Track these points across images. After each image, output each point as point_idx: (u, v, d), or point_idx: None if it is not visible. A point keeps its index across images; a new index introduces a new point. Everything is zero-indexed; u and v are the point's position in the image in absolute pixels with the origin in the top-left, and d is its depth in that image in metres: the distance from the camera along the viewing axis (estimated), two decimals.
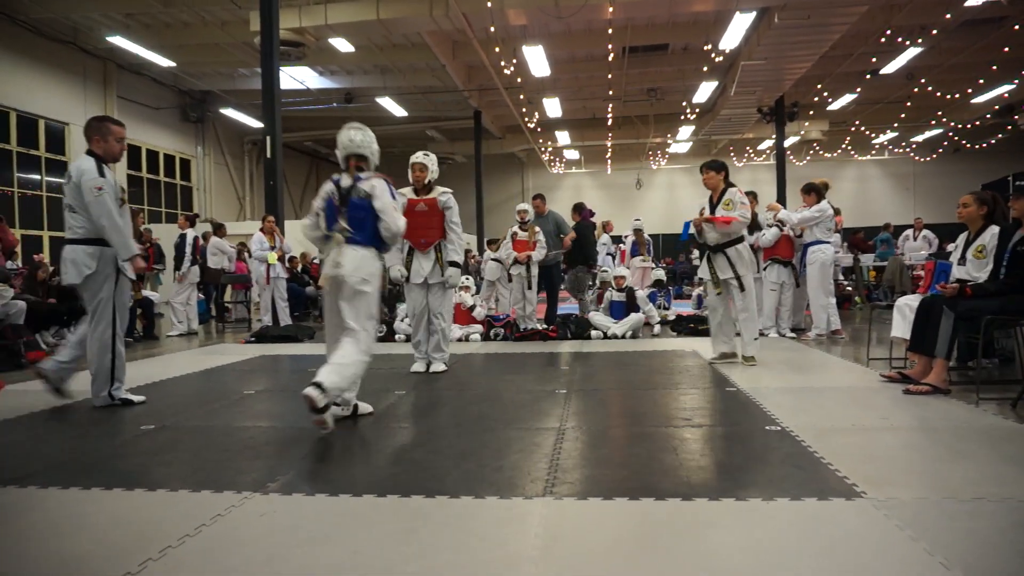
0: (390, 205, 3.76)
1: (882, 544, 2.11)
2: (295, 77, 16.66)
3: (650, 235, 12.60)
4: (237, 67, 16.88)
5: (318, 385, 3.33)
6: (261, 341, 8.06)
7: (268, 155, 9.08)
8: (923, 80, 17.34)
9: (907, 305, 4.93)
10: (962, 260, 4.77)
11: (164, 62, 15.16)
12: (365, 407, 3.99)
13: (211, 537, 2.26)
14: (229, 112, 19.29)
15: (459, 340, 7.66)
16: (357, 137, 3.86)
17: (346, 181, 3.81)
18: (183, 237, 9.48)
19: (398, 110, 19.34)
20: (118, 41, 13.89)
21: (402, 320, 8.03)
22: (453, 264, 5.56)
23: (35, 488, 2.77)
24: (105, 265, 4.38)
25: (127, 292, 4.59)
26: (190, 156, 19.44)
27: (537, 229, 8.07)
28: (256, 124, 19.24)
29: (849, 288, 11.99)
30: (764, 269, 7.67)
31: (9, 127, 13.60)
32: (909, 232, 13.79)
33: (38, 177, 14.40)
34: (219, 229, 11.49)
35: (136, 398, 4.53)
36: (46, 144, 14.50)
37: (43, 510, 2.56)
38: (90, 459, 3.24)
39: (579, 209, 9.55)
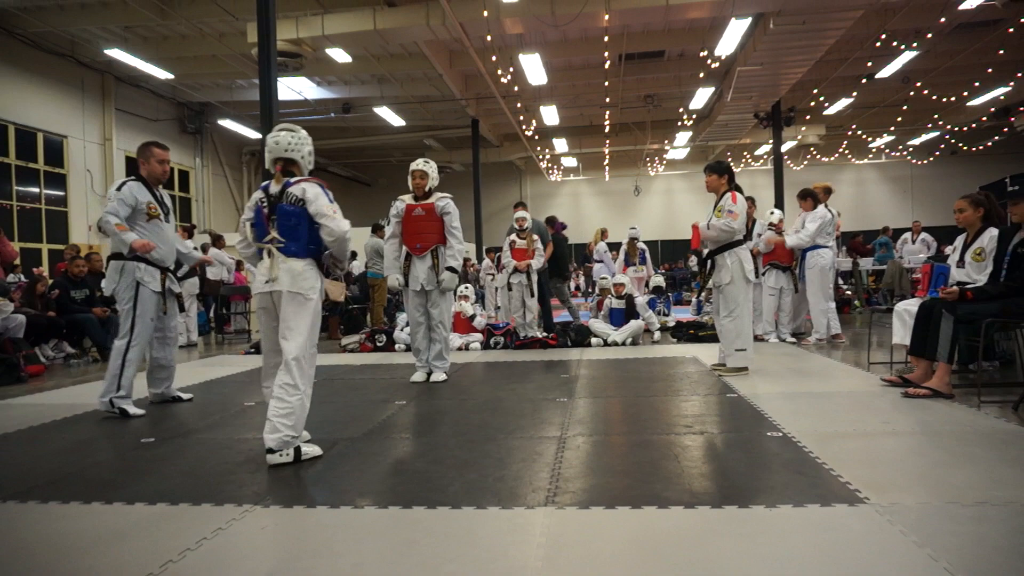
0: (327, 208, 3.36)
1: (886, 550, 2.10)
2: (293, 88, 16.69)
3: (648, 241, 12.57)
4: (235, 78, 16.91)
5: (271, 451, 3.19)
6: (261, 352, 8.04)
7: (267, 165, 9.08)
8: (919, 83, 17.40)
9: (906, 311, 4.93)
10: (960, 263, 4.78)
11: (162, 74, 15.19)
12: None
13: (212, 551, 2.25)
14: (227, 123, 19.31)
15: (459, 349, 7.65)
16: (284, 139, 3.48)
17: (275, 187, 3.45)
18: None
19: (396, 119, 19.38)
20: (116, 54, 13.91)
21: (401, 329, 8.02)
22: (450, 270, 5.54)
23: (35, 503, 2.76)
24: (125, 279, 4.58)
25: (150, 305, 4.63)
26: (188, 167, 19.46)
27: (536, 237, 8.08)
28: (254, 135, 19.26)
29: (848, 292, 12.00)
30: (763, 274, 7.67)
31: (7, 140, 13.61)
32: (907, 235, 13.81)
33: (37, 190, 14.40)
34: (218, 240, 11.51)
35: (134, 411, 4.56)
36: (44, 157, 14.51)
37: (44, 525, 2.54)
38: (90, 473, 3.23)
39: (552, 222, 9.55)
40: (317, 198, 3.38)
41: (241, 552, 2.25)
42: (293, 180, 3.45)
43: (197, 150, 19.57)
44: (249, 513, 2.58)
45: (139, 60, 14.25)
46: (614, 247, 13.23)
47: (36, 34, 13.44)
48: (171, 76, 15.51)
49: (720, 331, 5.65)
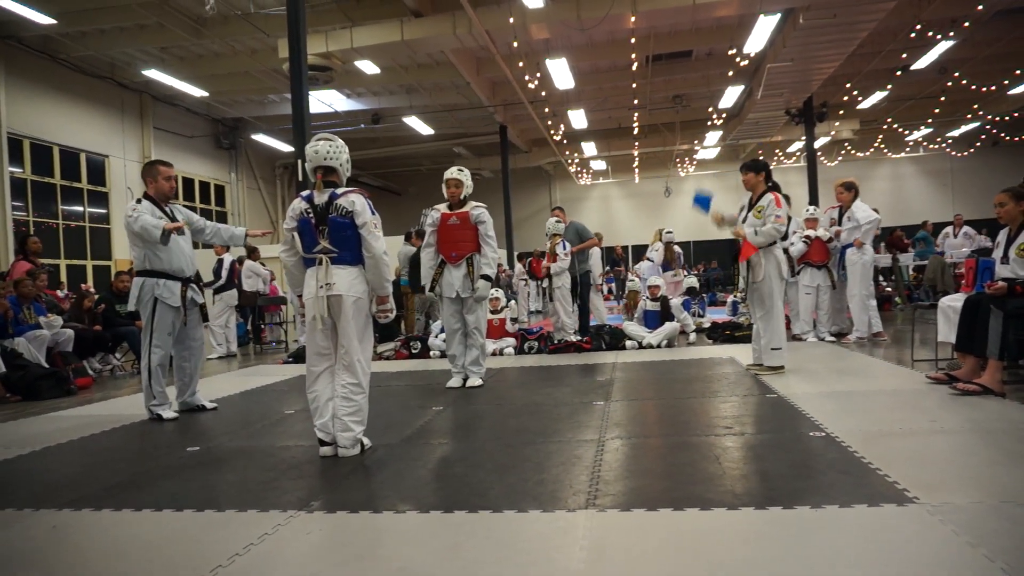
0: (372, 223, 3.51)
1: (939, 551, 2.05)
2: (323, 101, 16.96)
3: (681, 243, 12.42)
4: (267, 93, 17.27)
5: (346, 447, 3.51)
6: (299, 361, 8.16)
7: (300, 178, 9.24)
8: (956, 74, 16.95)
9: (950, 307, 4.80)
10: (1005, 259, 4.63)
11: (197, 92, 15.58)
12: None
13: (259, 556, 2.29)
14: (260, 138, 19.70)
15: (493, 354, 7.67)
16: (323, 148, 3.57)
17: (319, 198, 3.53)
18: (220, 262, 9.69)
19: (425, 128, 19.56)
20: (153, 74, 14.33)
21: (436, 336, 8.07)
22: (484, 277, 5.56)
23: (90, 511, 2.84)
24: (144, 295, 4.82)
25: (167, 318, 4.86)
26: (224, 182, 19.89)
27: (559, 241, 8.15)
28: (287, 148, 19.61)
29: (889, 289, 11.73)
30: (798, 273, 7.55)
31: (52, 161, 14.08)
32: (949, 229, 13.46)
33: (80, 208, 14.87)
34: (253, 252, 11.72)
35: (168, 414, 4.85)
36: (87, 176, 14.98)
37: (98, 531, 2.62)
38: (140, 481, 3.31)
39: (419, 235, 9.59)
40: (364, 211, 3.52)
41: (287, 557, 2.28)
42: (340, 192, 3.56)
43: (232, 165, 20.01)
44: (294, 519, 2.62)
45: (175, 79, 14.65)
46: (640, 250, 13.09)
47: (78, 58, 13.90)
48: (206, 94, 15.90)
49: (755, 330, 5.59)
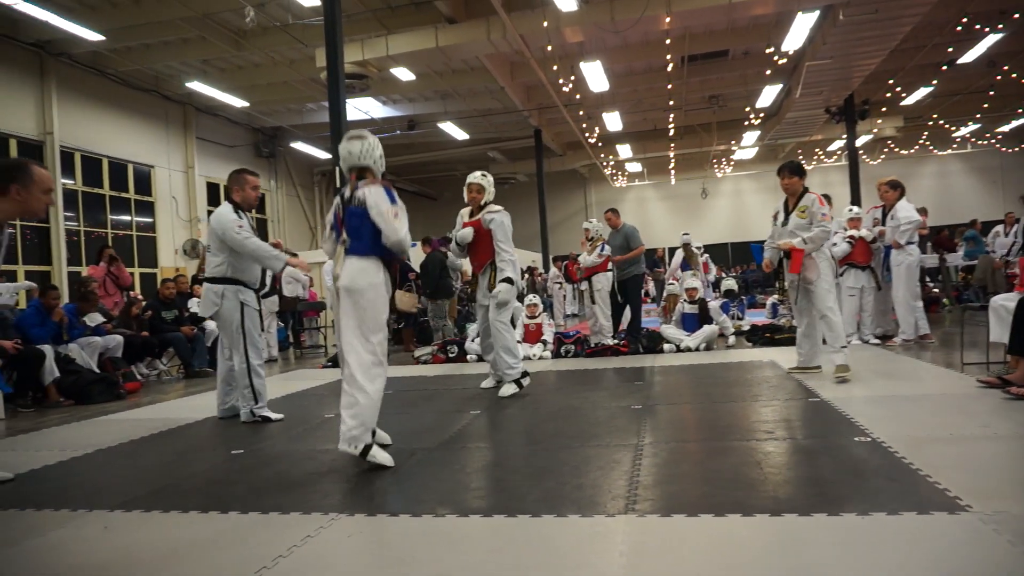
0: (387, 212, 3.38)
1: (994, 561, 1.98)
2: (360, 108, 17.22)
3: (718, 244, 12.32)
4: (305, 102, 17.60)
5: (341, 441, 3.33)
6: (337, 366, 8.25)
7: (338, 185, 9.40)
8: (1006, 67, 16.42)
9: (1003, 306, 4.64)
10: None
11: (238, 103, 15.97)
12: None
13: (303, 558, 2.32)
14: (299, 146, 20.08)
15: (529, 358, 7.67)
16: (356, 148, 3.53)
17: (349, 192, 3.56)
18: (264, 270, 9.88)
19: (460, 133, 19.70)
20: (196, 86, 14.75)
21: (472, 340, 8.11)
22: (505, 280, 5.32)
23: (139, 512, 2.92)
24: (230, 301, 4.85)
25: (257, 320, 4.97)
26: (264, 190, 20.22)
27: (600, 244, 8.24)
28: (325, 155, 19.97)
29: (936, 290, 11.40)
30: (841, 274, 7.38)
31: (102, 173, 14.57)
32: (999, 228, 13.00)
33: (128, 218, 15.34)
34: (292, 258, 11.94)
35: (274, 416, 4.90)
36: (135, 186, 15.44)
37: (147, 532, 2.69)
38: (187, 484, 3.39)
39: (427, 241, 9.87)
40: (377, 202, 3.42)
41: (330, 559, 2.32)
42: (362, 183, 3.54)
43: (272, 172, 20.42)
44: (335, 521, 2.65)
45: (216, 91, 15.04)
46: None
47: (124, 73, 14.36)
48: (246, 104, 16.28)
49: (799, 332, 5.49)
